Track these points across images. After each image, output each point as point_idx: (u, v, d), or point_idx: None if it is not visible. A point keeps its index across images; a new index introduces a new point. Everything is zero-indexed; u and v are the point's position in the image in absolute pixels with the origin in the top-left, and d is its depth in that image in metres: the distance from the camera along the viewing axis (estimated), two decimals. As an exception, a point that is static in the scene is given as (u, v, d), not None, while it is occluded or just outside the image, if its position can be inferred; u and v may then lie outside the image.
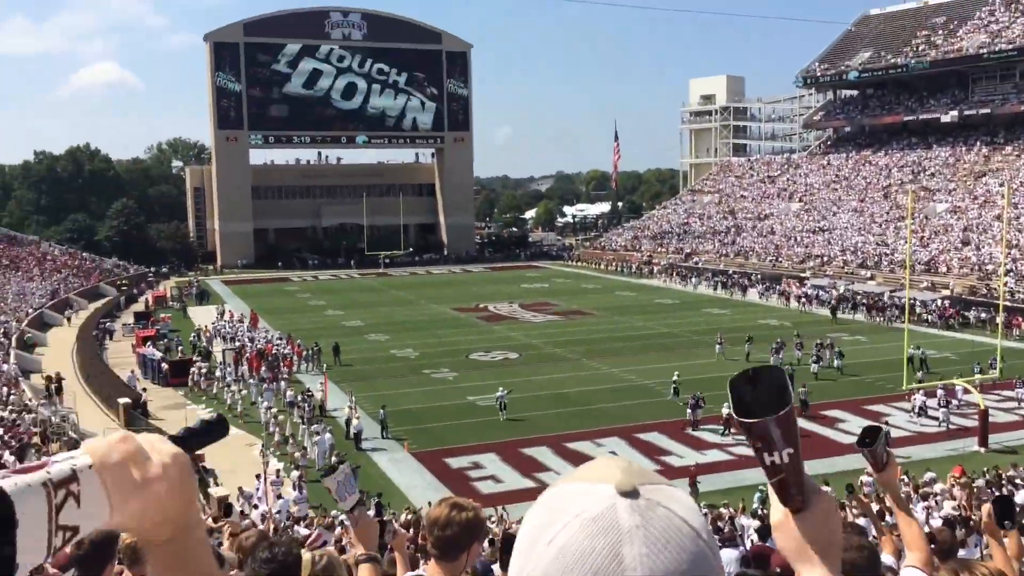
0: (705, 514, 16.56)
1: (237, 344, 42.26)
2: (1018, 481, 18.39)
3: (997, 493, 16.56)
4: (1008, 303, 41.74)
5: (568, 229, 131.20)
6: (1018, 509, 3.84)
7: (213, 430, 1.53)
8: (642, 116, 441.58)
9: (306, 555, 3.24)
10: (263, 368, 37.39)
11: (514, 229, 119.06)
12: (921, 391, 30.34)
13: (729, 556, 10.58)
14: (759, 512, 18.10)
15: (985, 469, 21.67)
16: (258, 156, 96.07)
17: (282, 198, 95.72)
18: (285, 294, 68.45)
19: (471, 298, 62.00)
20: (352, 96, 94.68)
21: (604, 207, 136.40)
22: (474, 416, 30.90)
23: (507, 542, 3.49)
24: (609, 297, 62.12)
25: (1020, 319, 44.81)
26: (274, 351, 40.59)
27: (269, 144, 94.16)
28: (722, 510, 18.71)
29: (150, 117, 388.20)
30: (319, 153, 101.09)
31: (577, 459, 25.87)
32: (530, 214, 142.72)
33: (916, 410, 29.55)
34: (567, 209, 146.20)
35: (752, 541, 13.11)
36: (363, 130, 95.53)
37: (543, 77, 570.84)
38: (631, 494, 0.94)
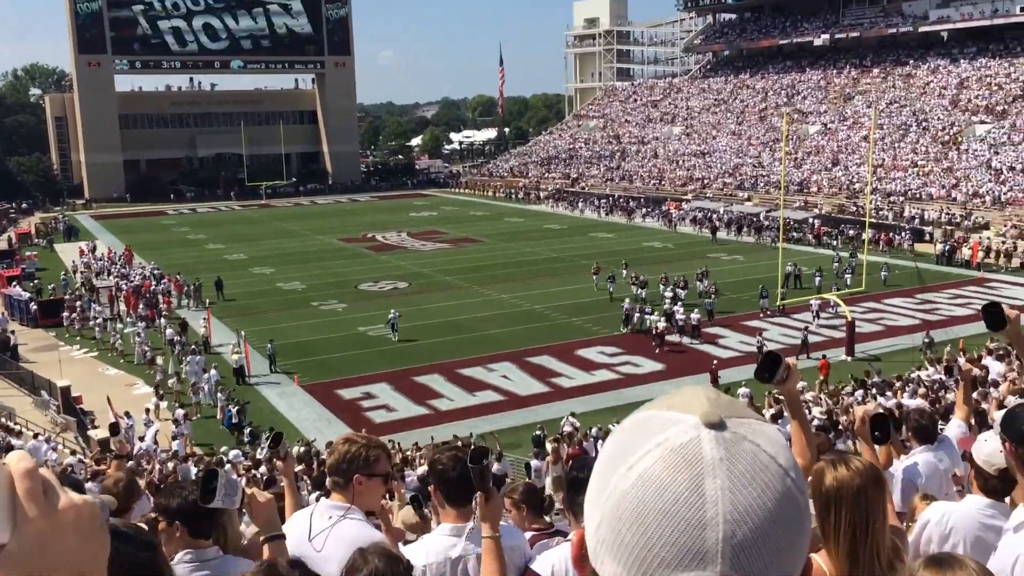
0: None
1: (111, 281, 40.43)
2: (874, 391, 19.68)
3: (864, 399, 17.71)
4: (874, 220, 44.07)
5: (455, 156, 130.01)
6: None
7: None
8: (528, 40, 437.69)
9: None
10: (140, 306, 35.97)
11: (400, 157, 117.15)
12: (815, 299, 32.36)
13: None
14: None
15: (851, 375, 23.12)
16: (124, 83, 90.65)
17: (153, 127, 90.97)
18: (161, 228, 65.64)
19: (358, 228, 61.01)
20: (224, 16, 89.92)
21: (491, 133, 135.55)
22: (365, 347, 30.71)
23: (437, 474, 3.52)
24: (498, 224, 62.25)
25: (886, 235, 47.44)
26: (152, 287, 39.07)
27: (136, 70, 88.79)
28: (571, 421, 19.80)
29: (2, 42, 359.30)
30: (191, 79, 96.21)
31: (470, 385, 26.19)
32: (416, 141, 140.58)
33: (814, 314, 32.02)
34: (454, 136, 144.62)
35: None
36: (237, 54, 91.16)
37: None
38: (718, 426, 0.90)
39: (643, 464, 0.89)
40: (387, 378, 27.04)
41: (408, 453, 18.34)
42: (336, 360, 29.23)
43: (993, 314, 3.32)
